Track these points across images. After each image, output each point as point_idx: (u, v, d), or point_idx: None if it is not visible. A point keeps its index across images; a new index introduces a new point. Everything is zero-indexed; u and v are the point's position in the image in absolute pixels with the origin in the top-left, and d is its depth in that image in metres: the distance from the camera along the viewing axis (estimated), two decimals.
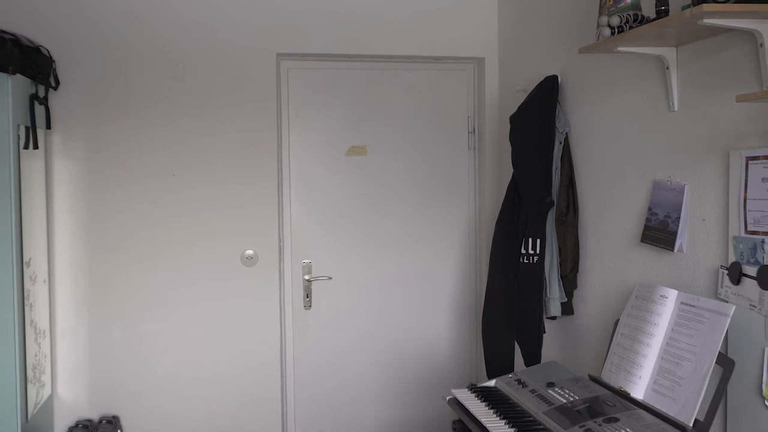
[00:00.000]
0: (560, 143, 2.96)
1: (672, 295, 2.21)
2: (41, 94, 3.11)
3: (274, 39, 3.53)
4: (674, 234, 2.31)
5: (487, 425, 2.25)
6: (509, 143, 3.27)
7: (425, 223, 3.80)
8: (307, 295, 3.71)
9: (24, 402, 2.89)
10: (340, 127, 3.69)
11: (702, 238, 2.22)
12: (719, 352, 1.98)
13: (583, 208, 2.93)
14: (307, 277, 3.70)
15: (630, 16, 2.20)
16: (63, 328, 3.41)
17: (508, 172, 3.25)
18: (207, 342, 3.52)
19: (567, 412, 2.16)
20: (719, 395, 1.96)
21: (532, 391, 2.40)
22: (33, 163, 3.07)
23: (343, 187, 3.71)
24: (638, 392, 2.18)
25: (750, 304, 1.99)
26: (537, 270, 2.93)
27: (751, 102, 1.89)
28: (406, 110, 3.74)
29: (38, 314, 3.13)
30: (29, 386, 2.96)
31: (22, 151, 2.89)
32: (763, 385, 1.94)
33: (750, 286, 1.99)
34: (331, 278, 3.70)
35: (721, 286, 2.11)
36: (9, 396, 2.83)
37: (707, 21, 1.86)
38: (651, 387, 2.15)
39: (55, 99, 3.30)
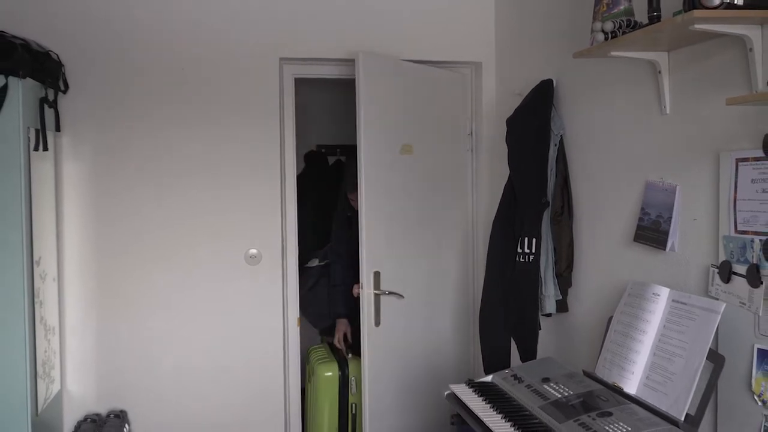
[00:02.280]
0: (555, 145, 2.97)
1: (664, 293, 2.21)
2: (51, 97, 3.11)
3: (277, 43, 3.52)
4: (666, 233, 2.31)
5: (484, 420, 2.25)
6: (506, 145, 3.27)
7: (427, 223, 3.78)
8: None
9: (34, 397, 2.90)
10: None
11: (693, 238, 2.22)
12: (710, 349, 1.98)
13: (578, 208, 2.93)
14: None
15: (623, 21, 2.20)
16: (72, 324, 3.41)
17: (505, 173, 3.25)
18: (212, 338, 3.52)
19: (562, 407, 2.16)
20: (710, 390, 1.97)
21: (528, 386, 2.40)
22: (43, 164, 3.08)
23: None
24: (631, 387, 2.19)
25: (740, 302, 1.99)
26: (533, 268, 2.93)
27: (740, 105, 1.90)
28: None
29: (48, 311, 3.13)
30: (39, 381, 2.96)
31: (33, 153, 2.90)
32: (753, 381, 1.94)
33: (740, 285, 1.99)
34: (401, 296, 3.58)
35: (712, 284, 2.11)
36: (20, 391, 2.83)
37: (698, 26, 1.86)
38: (643, 382, 2.16)
39: (65, 102, 3.30)
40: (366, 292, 3.33)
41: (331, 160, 5.24)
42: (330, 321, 4.00)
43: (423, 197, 3.64)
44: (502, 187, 3.26)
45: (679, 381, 2.01)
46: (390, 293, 3.41)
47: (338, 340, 3.91)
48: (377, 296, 3.35)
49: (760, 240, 1.92)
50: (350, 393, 3.74)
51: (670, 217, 2.29)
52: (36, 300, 2.94)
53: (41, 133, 2.96)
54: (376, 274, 3.35)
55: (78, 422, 3.35)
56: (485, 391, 2.48)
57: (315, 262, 4.14)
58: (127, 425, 3.36)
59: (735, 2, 1.79)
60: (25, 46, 2.91)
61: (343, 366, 3.77)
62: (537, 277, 2.93)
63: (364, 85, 3.29)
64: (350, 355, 3.78)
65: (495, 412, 2.28)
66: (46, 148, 2.99)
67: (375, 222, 3.35)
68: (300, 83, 3.72)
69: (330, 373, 3.75)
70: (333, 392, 3.73)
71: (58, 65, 3.22)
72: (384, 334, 3.42)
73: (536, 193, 2.95)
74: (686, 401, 1.96)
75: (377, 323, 3.36)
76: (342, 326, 3.92)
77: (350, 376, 3.73)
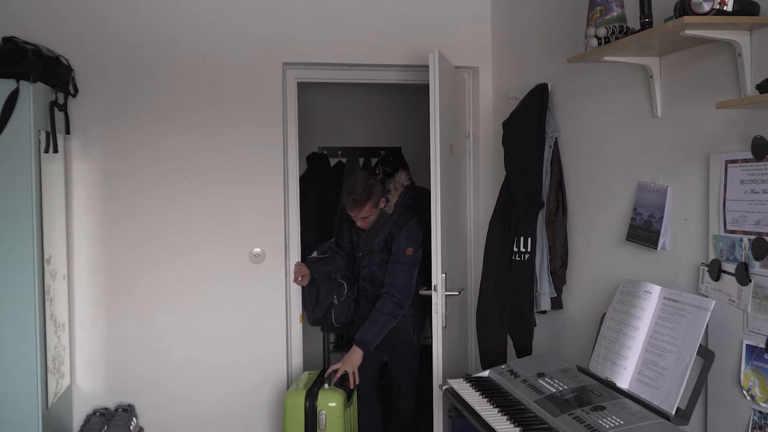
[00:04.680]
0: (550, 147, 2.96)
1: (655, 291, 2.21)
2: (61, 101, 3.11)
3: (280, 48, 3.52)
4: (658, 233, 2.31)
5: (481, 413, 2.25)
6: (502, 147, 3.26)
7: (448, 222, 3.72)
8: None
9: (45, 391, 2.90)
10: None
11: (684, 237, 2.22)
12: (700, 345, 1.98)
13: (572, 208, 2.93)
14: None
15: (616, 27, 2.20)
16: (81, 321, 3.41)
17: (502, 174, 3.25)
18: (217, 334, 3.52)
19: (556, 401, 2.16)
20: (700, 385, 1.97)
21: (524, 381, 2.40)
22: (53, 166, 3.08)
23: None
24: (624, 382, 2.18)
25: (729, 299, 1.99)
26: (528, 267, 2.93)
27: (730, 108, 1.90)
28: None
29: (58, 308, 3.13)
30: (49, 376, 2.97)
31: (43, 155, 2.90)
32: (741, 376, 1.94)
33: (729, 282, 1.99)
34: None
35: (702, 282, 2.11)
36: (30, 385, 2.83)
37: (688, 32, 1.86)
38: (636, 377, 2.16)
39: (74, 106, 3.30)
40: (440, 294, 3.09)
41: (333, 161, 5.26)
42: (321, 316, 3.78)
43: (451, 198, 3.46)
44: (499, 189, 3.26)
45: (670, 376, 2.01)
46: (460, 292, 3.25)
47: (343, 373, 3.28)
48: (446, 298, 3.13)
49: (749, 239, 1.92)
50: (318, 428, 3.12)
51: (662, 217, 2.29)
52: (46, 297, 2.94)
53: (51, 136, 2.96)
54: (444, 276, 3.11)
55: (87, 416, 3.35)
56: (482, 386, 2.48)
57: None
58: (134, 419, 3.36)
59: (724, 8, 1.79)
60: (36, 51, 2.92)
61: (311, 396, 3.15)
62: (532, 275, 2.93)
63: (439, 84, 3.05)
64: (326, 386, 3.21)
65: (492, 406, 2.28)
66: (56, 150, 2.99)
67: (443, 224, 3.09)
68: (302, 86, 3.72)
69: (295, 404, 3.14)
70: (298, 426, 3.12)
71: (68, 70, 3.22)
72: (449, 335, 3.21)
73: (532, 193, 2.95)
74: (677, 396, 1.96)
75: (445, 325, 3.12)
76: (358, 358, 3.32)
77: (319, 409, 3.13)
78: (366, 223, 3.51)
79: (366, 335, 3.33)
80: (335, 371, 3.28)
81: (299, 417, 3.12)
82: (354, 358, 3.31)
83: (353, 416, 3.38)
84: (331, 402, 3.11)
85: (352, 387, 3.30)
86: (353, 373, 3.30)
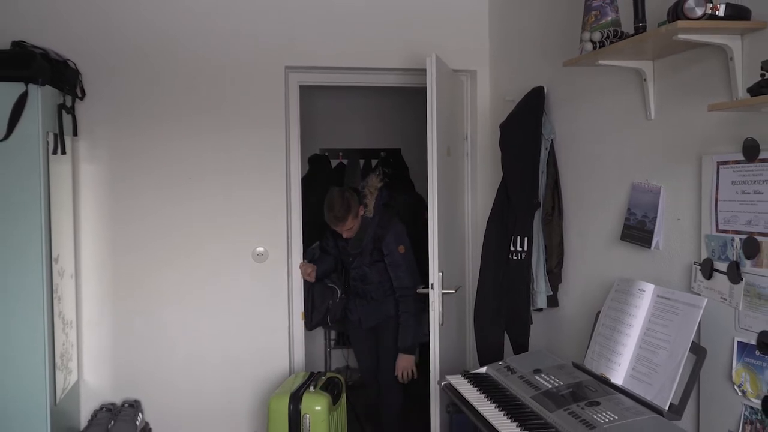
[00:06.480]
0: (546, 149, 2.97)
1: (649, 289, 2.21)
2: (68, 103, 3.11)
3: (282, 52, 3.52)
4: (651, 232, 2.31)
5: (479, 409, 2.25)
6: (499, 149, 3.27)
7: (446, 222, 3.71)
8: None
9: (53, 387, 2.90)
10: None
11: (677, 236, 2.22)
12: (692, 341, 1.98)
13: (568, 208, 2.93)
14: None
15: (610, 32, 2.20)
16: (88, 319, 3.41)
17: (499, 175, 3.25)
18: (221, 331, 3.52)
19: (552, 397, 2.16)
20: (692, 381, 1.97)
21: (521, 377, 2.40)
22: (61, 167, 3.08)
23: None
24: (618, 378, 2.19)
25: (721, 297, 1.99)
26: (525, 266, 2.93)
27: (721, 111, 1.90)
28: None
29: (66, 306, 3.14)
30: (57, 372, 2.97)
31: (51, 156, 2.90)
32: (733, 372, 1.94)
33: (721, 281, 1.99)
34: None
35: (694, 281, 2.12)
36: (39, 381, 2.84)
37: (681, 36, 1.87)
38: (630, 373, 2.16)
39: (82, 108, 3.30)
40: (437, 292, 3.08)
41: (334, 162, 5.26)
42: (319, 320, 3.83)
43: (448, 198, 3.43)
44: (496, 189, 3.26)
45: (663, 372, 2.02)
46: (457, 290, 3.33)
47: (402, 374, 3.59)
48: (443, 296, 3.12)
49: (740, 239, 1.92)
50: None
51: (655, 217, 2.29)
52: (54, 295, 2.94)
53: (59, 138, 2.96)
54: (441, 275, 3.10)
55: (94, 411, 3.35)
56: (480, 382, 2.49)
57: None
58: (140, 414, 3.36)
59: (716, 14, 1.79)
60: (44, 55, 2.92)
61: (296, 399, 3.07)
62: (529, 273, 2.93)
63: (436, 87, 3.04)
64: (312, 389, 3.15)
65: (489, 402, 2.29)
66: (64, 152, 2.99)
67: (440, 224, 3.08)
68: (304, 88, 3.72)
69: (279, 408, 3.06)
70: (281, 430, 3.05)
71: (76, 73, 3.22)
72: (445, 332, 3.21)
73: (528, 194, 2.95)
74: (670, 391, 1.96)
75: (442, 323, 3.12)
76: (408, 362, 3.59)
77: (303, 413, 3.05)
78: (351, 233, 3.62)
79: (406, 342, 3.56)
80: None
81: (283, 421, 3.04)
82: (404, 362, 3.58)
83: (340, 419, 3.35)
84: (316, 405, 3.05)
85: (411, 379, 3.61)
86: (411, 371, 3.60)
